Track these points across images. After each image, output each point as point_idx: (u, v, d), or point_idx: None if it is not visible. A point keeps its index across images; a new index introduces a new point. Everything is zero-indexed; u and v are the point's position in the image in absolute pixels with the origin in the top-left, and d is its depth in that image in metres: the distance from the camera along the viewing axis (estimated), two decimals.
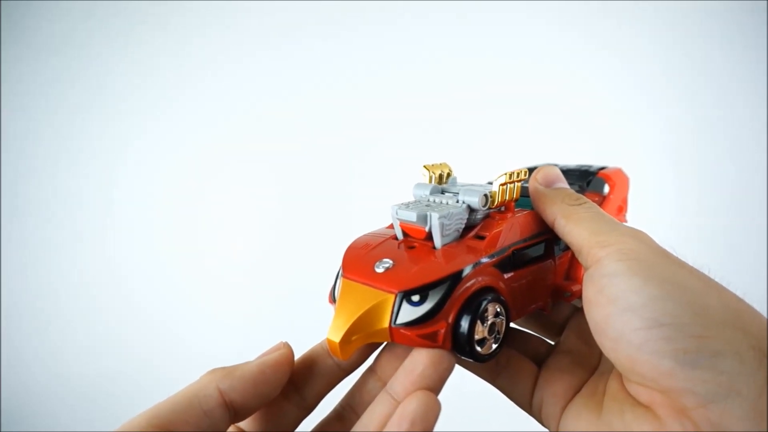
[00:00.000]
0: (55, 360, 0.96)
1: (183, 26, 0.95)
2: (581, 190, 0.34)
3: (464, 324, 0.25)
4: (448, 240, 0.27)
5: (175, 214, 0.97)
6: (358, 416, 0.27)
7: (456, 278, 0.25)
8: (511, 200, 0.29)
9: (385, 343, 0.28)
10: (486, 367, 0.30)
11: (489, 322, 0.26)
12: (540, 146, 0.85)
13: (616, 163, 0.39)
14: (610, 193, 0.36)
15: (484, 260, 0.26)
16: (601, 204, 0.35)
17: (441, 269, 0.25)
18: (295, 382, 0.27)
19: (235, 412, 0.24)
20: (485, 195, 0.28)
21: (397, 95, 0.91)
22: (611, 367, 0.28)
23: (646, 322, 0.22)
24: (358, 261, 0.27)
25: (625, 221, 0.38)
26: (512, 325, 0.31)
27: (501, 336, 0.26)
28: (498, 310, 0.26)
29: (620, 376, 0.26)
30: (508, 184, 0.28)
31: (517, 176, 0.28)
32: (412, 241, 0.28)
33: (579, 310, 0.34)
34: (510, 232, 0.28)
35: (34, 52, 0.97)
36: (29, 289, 0.99)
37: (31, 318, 0.98)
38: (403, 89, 0.91)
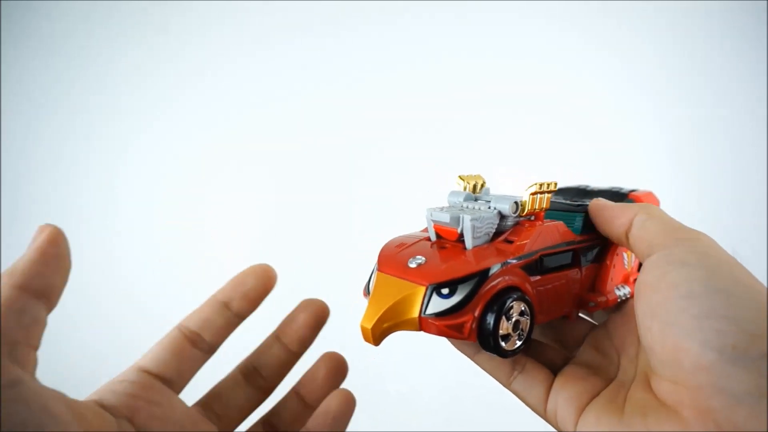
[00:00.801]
0: (55, 360, 0.93)
1: (183, 26, 0.96)
2: None
3: (490, 318, 0.26)
4: (478, 242, 0.29)
5: (177, 214, 0.96)
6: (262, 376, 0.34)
7: (484, 275, 0.27)
8: (541, 210, 0.30)
9: None
10: (503, 369, 0.31)
11: (513, 320, 0.27)
12: (540, 147, 0.85)
13: (637, 181, 0.40)
14: None
15: (512, 261, 0.28)
16: None
17: (470, 266, 0.27)
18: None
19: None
20: (516, 202, 0.29)
21: (397, 95, 0.91)
22: (632, 377, 0.28)
23: (705, 310, 0.22)
24: (392, 257, 0.29)
25: None
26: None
27: (525, 334, 0.28)
28: (523, 308, 0.27)
29: (645, 382, 0.26)
30: (539, 194, 0.30)
31: (548, 187, 0.30)
32: (445, 242, 0.30)
33: (597, 327, 0.34)
34: (538, 238, 0.30)
35: (34, 52, 0.97)
36: None
37: None
38: (403, 89, 0.91)
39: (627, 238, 0.29)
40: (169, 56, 0.96)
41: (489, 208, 0.30)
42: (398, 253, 0.30)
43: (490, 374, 0.32)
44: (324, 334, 0.37)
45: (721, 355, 0.21)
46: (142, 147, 0.97)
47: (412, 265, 0.28)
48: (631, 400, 0.26)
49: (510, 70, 0.88)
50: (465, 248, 0.29)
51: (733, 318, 0.22)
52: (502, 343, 0.27)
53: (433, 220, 0.30)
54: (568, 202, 0.35)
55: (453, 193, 0.33)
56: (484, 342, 0.26)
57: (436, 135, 0.89)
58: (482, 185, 0.33)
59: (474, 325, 0.26)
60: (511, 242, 0.29)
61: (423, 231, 0.33)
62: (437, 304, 0.26)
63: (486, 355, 0.31)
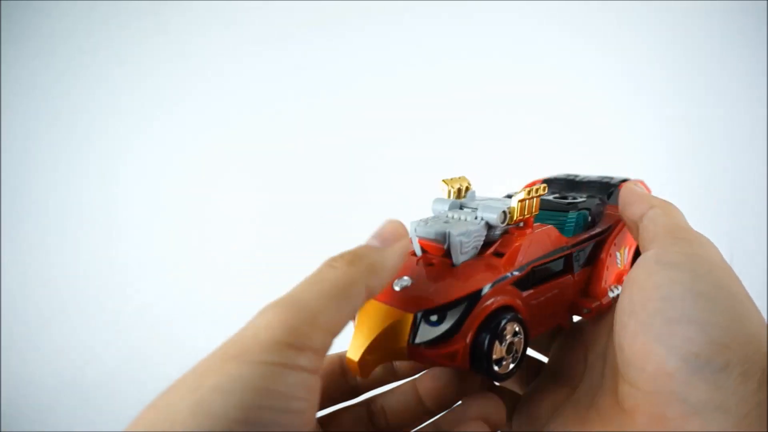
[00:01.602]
0: (55, 360, 0.95)
1: (184, 26, 0.95)
2: (602, 203, 0.34)
3: (482, 344, 0.25)
4: (466, 257, 0.27)
5: (177, 214, 0.97)
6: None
7: (474, 298, 0.25)
8: (530, 216, 0.29)
9: None
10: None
11: (507, 342, 0.25)
12: (541, 146, 0.84)
13: (620, 167, 0.39)
14: None
15: (503, 279, 0.26)
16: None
17: (459, 288, 0.25)
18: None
19: None
20: (504, 212, 0.28)
21: (398, 96, 0.90)
22: (600, 378, 0.28)
23: (678, 314, 0.22)
24: None
25: None
26: None
27: (519, 355, 0.26)
28: (516, 329, 0.26)
29: (613, 392, 0.25)
30: (527, 200, 0.28)
31: (536, 191, 0.28)
32: (431, 257, 0.28)
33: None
34: (529, 248, 0.28)
35: (34, 52, 0.96)
36: (30, 289, 0.98)
37: (32, 318, 0.97)
38: (403, 89, 0.90)
39: (638, 226, 0.28)
40: (169, 56, 0.96)
41: (476, 218, 0.28)
42: None
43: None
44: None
45: (685, 362, 0.21)
46: (143, 147, 0.98)
47: (397, 288, 0.26)
48: (596, 405, 0.26)
49: (509, 69, 0.87)
50: (453, 264, 0.27)
51: (703, 324, 0.21)
52: (496, 368, 0.25)
53: (418, 236, 0.28)
54: (558, 199, 0.33)
55: (437, 201, 0.31)
56: (477, 368, 0.25)
57: (436, 135, 0.89)
58: (467, 188, 0.31)
59: (466, 353, 0.25)
60: (501, 255, 0.27)
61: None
62: (426, 332, 0.24)
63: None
